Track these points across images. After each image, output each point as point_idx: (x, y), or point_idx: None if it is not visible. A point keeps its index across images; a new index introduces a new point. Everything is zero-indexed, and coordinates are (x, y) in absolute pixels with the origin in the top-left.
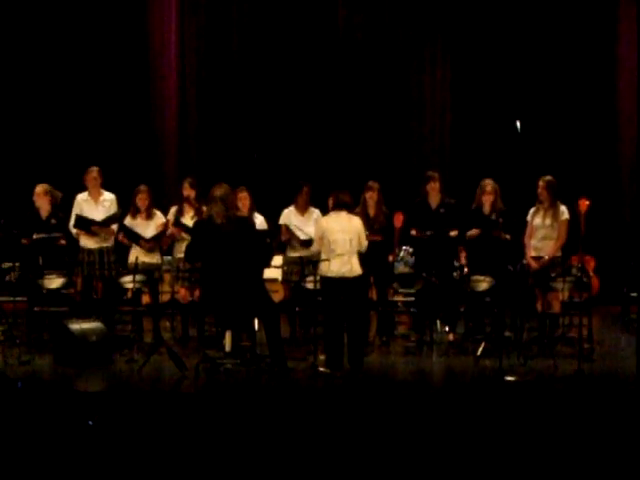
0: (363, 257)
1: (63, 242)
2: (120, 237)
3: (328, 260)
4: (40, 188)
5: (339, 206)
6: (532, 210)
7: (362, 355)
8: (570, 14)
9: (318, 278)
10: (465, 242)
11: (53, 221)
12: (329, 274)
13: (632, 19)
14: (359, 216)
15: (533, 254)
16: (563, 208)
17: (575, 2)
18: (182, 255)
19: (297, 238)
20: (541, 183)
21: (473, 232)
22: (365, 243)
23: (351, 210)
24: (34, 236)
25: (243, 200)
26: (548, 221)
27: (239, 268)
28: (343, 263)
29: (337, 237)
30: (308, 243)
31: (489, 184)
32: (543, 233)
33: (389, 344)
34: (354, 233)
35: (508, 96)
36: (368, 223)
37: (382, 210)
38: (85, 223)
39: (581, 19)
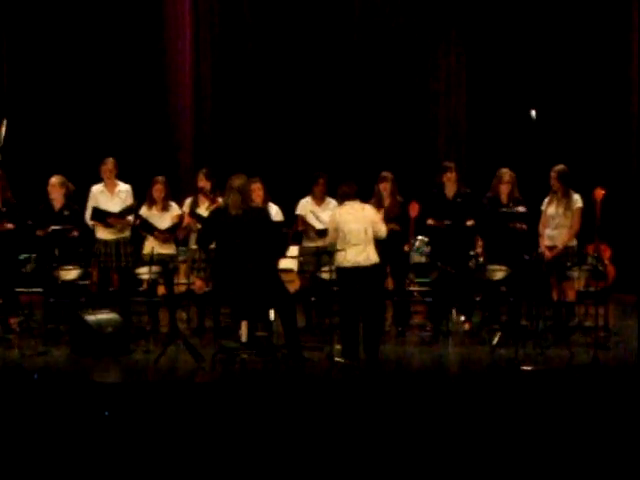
0: (378, 247)
1: (75, 233)
2: (137, 223)
3: (344, 250)
4: (54, 179)
5: (342, 198)
6: (546, 199)
7: (378, 345)
8: (584, 2)
9: (334, 268)
10: (482, 232)
11: (66, 212)
12: (345, 264)
13: None
14: (373, 207)
15: (547, 243)
16: (576, 197)
17: None
18: (197, 246)
19: (313, 228)
20: (553, 173)
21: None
22: (383, 229)
23: (357, 198)
24: (50, 228)
25: (257, 191)
26: (561, 210)
27: (255, 258)
28: (359, 252)
29: (351, 227)
30: (324, 233)
31: (507, 173)
32: (557, 222)
33: (405, 334)
34: (368, 222)
35: (523, 85)
36: (383, 213)
37: (397, 200)
38: (101, 215)
39: (595, 8)
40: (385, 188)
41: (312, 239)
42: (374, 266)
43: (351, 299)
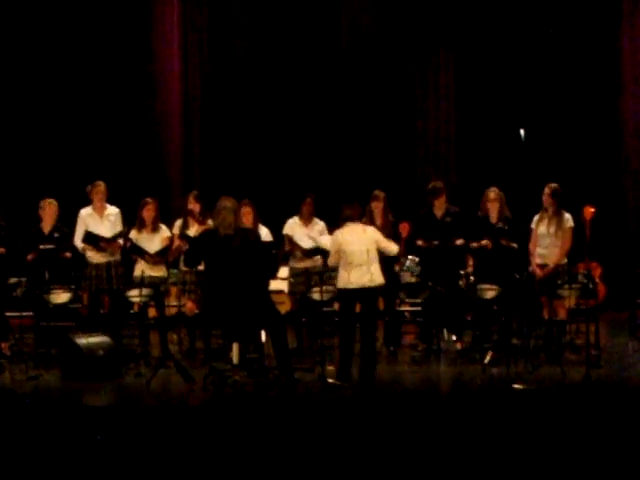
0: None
1: (68, 255)
2: (128, 246)
3: (346, 272)
4: (47, 202)
5: (344, 220)
6: (536, 218)
7: (375, 365)
8: (573, 24)
9: (325, 288)
10: (472, 250)
11: (56, 235)
12: (349, 286)
13: (635, 29)
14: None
15: (538, 262)
16: (567, 215)
17: (578, 12)
18: (187, 268)
19: (300, 248)
20: (547, 190)
21: (485, 242)
22: (391, 246)
23: (359, 221)
24: (40, 247)
25: (247, 215)
26: (552, 229)
27: (245, 280)
28: (363, 273)
29: (354, 248)
30: (311, 253)
31: (492, 191)
32: (548, 241)
33: (396, 354)
34: (370, 243)
35: (512, 104)
36: None
37: (389, 219)
38: (94, 239)
39: (584, 29)
40: (377, 207)
41: (299, 259)
42: (379, 287)
43: (352, 320)
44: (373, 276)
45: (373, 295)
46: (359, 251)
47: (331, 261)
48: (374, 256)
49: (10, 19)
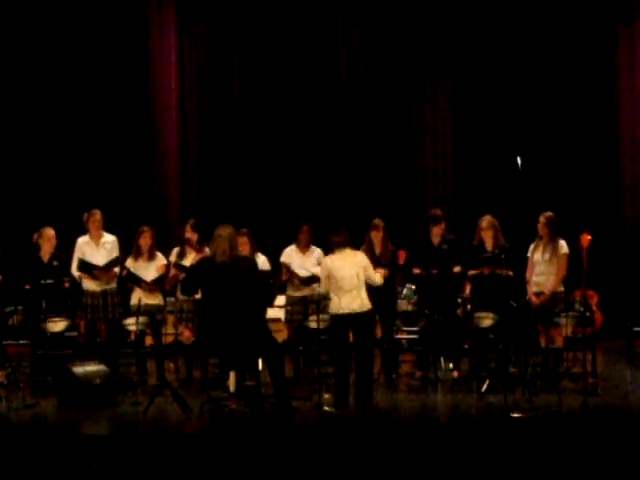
0: (369, 294)
1: (67, 285)
2: (124, 274)
3: (338, 298)
4: (46, 231)
5: (332, 246)
6: (532, 246)
7: (371, 394)
8: (569, 50)
9: (322, 317)
10: (469, 277)
11: (55, 263)
12: (340, 311)
13: (631, 53)
14: (365, 254)
15: (535, 289)
16: (562, 242)
17: (574, 37)
18: (185, 297)
19: (297, 276)
20: (542, 219)
21: (482, 270)
22: (376, 276)
23: (348, 246)
24: (41, 282)
25: (243, 245)
26: (547, 256)
27: (242, 308)
28: (353, 298)
29: (344, 273)
30: (308, 281)
31: (485, 220)
32: (542, 268)
33: (393, 382)
34: (359, 267)
35: (509, 133)
36: (374, 261)
37: (388, 247)
38: (88, 267)
39: (579, 57)
40: (377, 236)
41: (297, 287)
42: (368, 312)
43: (346, 347)
44: (363, 301)
45: (364, 321)
46: (349, 276)
47: (322, 287)
48: (362, 281)
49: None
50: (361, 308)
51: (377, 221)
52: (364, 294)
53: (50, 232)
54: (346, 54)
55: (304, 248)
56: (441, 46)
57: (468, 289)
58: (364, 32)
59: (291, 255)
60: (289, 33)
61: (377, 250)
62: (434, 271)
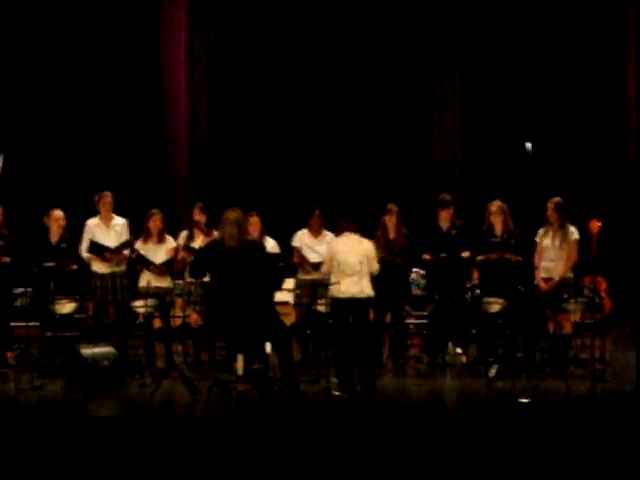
0: (382, 279)
1: (74, 267)
2: (134, 256)
3: (338, 282)
4: (54, 213)
5: (340, 231)
6: (541, 231)
7: (374, 377)
8: (579, 38)
9: (329, 301)
10: (478, 263)
11: (63, 245)
12: (339, 295)
13: None
14: (379, 239)
15: (543, 275)
16: (572, 229)
17: (584, 26)
18: (194, 280)
19: (308, 261)
20: (550, 205)
21: (491, 255)
22: (376, 266)
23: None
24: (44, 264)
25: (254, 225)
26: (557, 242)
27: (250, 291)
28: (353, 283)
29: (347, 258)
30: (319, 266)
31: (494, 205)
32: (553, 254)
33: (401, 367)
34: (364, 255)
35: (518, 118)
36: (388, 246)
37: (402, 232)
38: (99, 249)
39: (591, 41)
40: (391, 220)
41: (308, 272)
42: (368, 299)
43: (345, 331)
44: (363, 287)
45: (363, 306)
46: (352, 262)
47: (324, 269)
48: (366, 269)
49: (14, 27)
50: (361, 294)
51: (391, 206)
52: (365, 281)
53: (59, 214)
54: (356, 43)
55: (316, 232)
56: (451, 33)
57: (476, 276)
58: (373, 22)
59: (303, 239)
60: (300, 24)
61: (391, 235)
62: (442, 255)
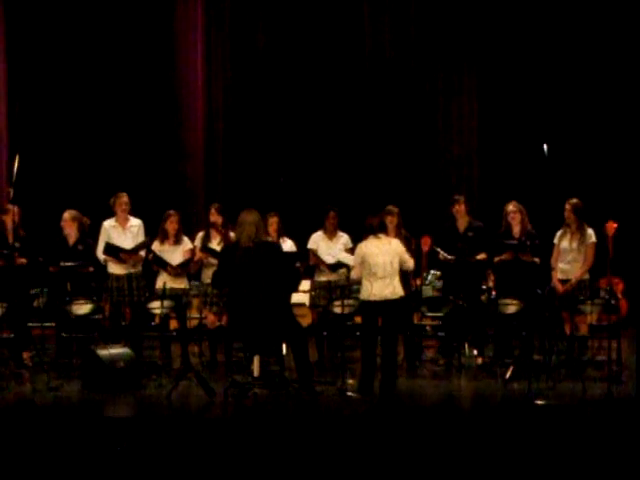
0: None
1: (91, 269)
2: (150, 257)
3: (370, 284)
4: (68, 214)
5: (368, 232)
6: (559, 233)
7: (395, 381)
8: (595, 41)
9: (347, 302)
10: (494, 265)
11: (80, 247)
12: (371, 298)
13: None
14: None
15: (560, 277)
16: (590, 231)
17: (599, 29)
18: (210, 280)
19: (324, 263)
20: (567, 206)
21: (505, 256)
22: (411, 262)
23: (382, 232)
24: (61, 264)
25: (273, 225)
26: (575, 244)
27: (267, 292)
28: (385, 285)
29: (377, 260)
30: (335, 267)
31: (511, 205)
32: (570, 256)
33: (417, 368)
34: (394, 255)
35: (535, 119)
36: None
37: (402, 234)
38: (114, 250)
39: (607, 43)
40: (391, 222)
41: (324, 273)
42: (400, 299)
43: (375, 333)
44: (395, 289)
45: (394, 308)
46: (383, 263)
47: (354, 274)
48: (397, 268)
49: (32, 30)
50: (393, 295)
51: (391, 207)
52: (397, 281)
53: (70, 215)
54: (373, 42)
55: (331, 234)
56: (467, 34)
57: (492, 279)
58: (390, 20)
59: (318, 241)
60: (315, 22)
61: (391, 236)
62: (449, 257)
